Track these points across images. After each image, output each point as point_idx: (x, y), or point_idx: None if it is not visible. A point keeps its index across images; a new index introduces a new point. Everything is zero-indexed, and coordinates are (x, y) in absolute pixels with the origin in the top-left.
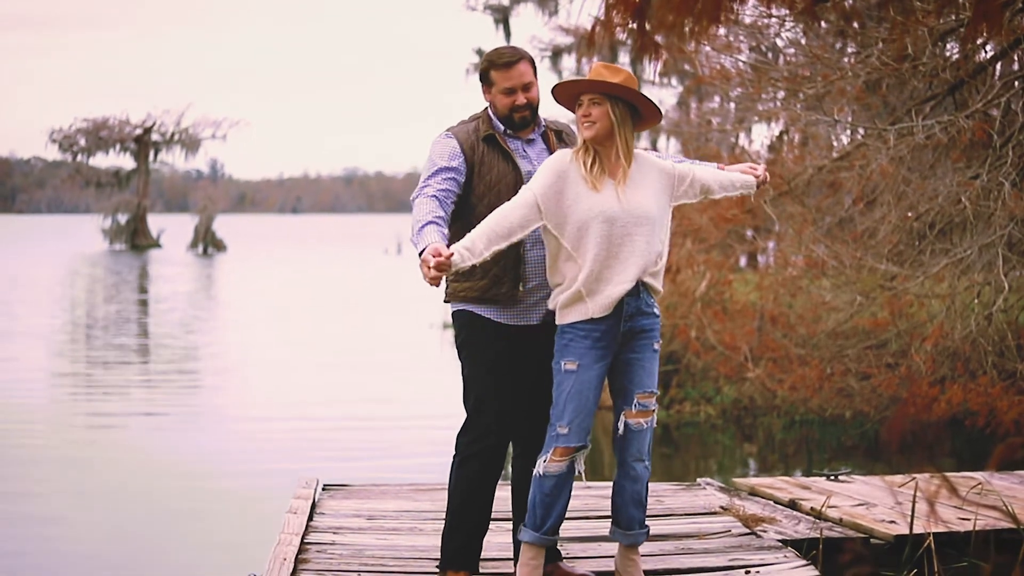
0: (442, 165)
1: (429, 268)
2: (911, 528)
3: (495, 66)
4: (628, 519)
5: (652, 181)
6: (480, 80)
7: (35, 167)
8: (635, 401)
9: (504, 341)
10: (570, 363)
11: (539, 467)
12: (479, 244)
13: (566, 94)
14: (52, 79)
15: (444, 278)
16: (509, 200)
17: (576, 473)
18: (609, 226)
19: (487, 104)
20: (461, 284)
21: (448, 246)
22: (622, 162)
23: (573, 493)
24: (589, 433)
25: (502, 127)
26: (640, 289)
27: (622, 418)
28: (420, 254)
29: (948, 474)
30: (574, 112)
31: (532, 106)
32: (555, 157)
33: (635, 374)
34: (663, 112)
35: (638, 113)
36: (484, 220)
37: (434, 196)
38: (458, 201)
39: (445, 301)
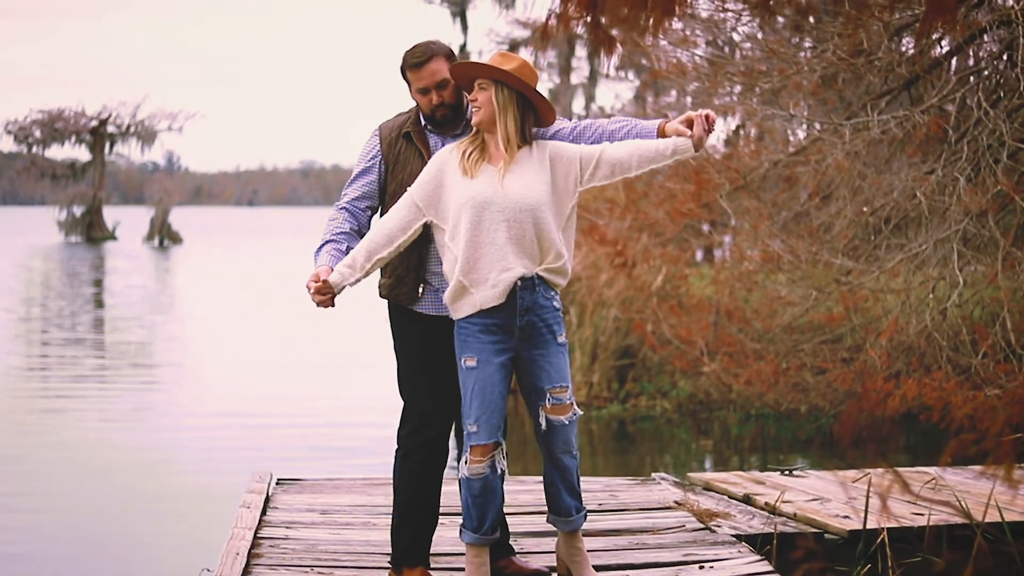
0: (360, 168)
1: (311, 293)
2: (864, 523)
3: (408, 66)
4: (564, 508)
5: (547, 169)
6: (402, 77)
7: None
8: (548, 397)
9: (431, 332)
10: (470, 359)
11: (462, 469)
12: (359, 259)
13: (463, 77)
14: (6, 70)
15: (335, 296)
16: None
17: (499, 472)
18: (480, 211)
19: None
20: (381, 279)
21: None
22: (502, 150)
23: (525, 488)
24: (500, 429)
25: (426, 124)
26: (536, 282)
27: (541, 414)
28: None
29: (902, 469)
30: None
31: (449, 104)
32: (440, 151)
33: (542, 371)
34: (554, 108)
35: (533, 105)
36: (368, 233)
37: (345, 208)
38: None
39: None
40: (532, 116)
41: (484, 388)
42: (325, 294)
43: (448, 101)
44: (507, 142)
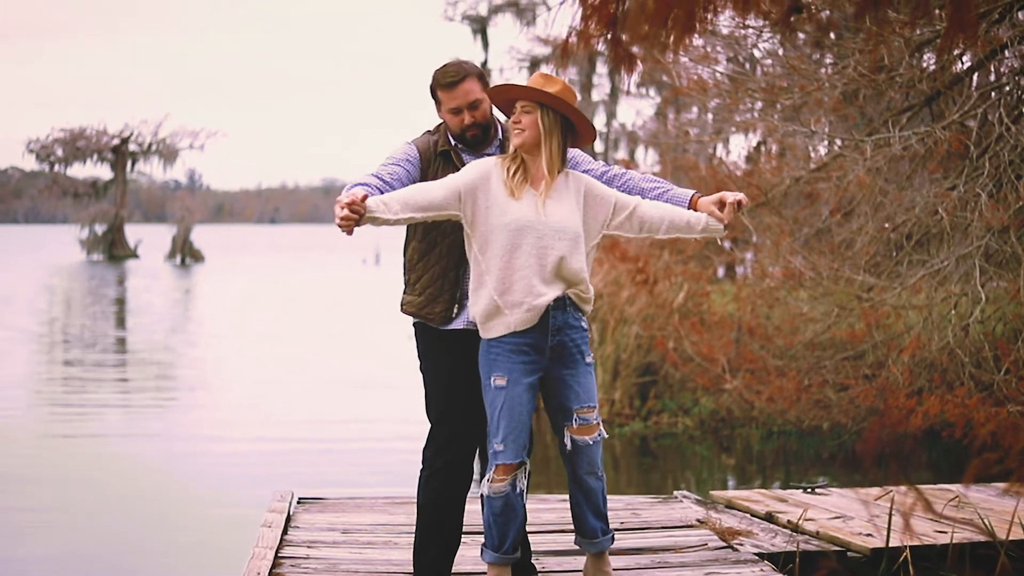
0: (397, 159)
1: (341, 207)
2: (887, 542)
3: (440, 85)
4: (590, 530)
5: (580, 201)
6: (431, 97)
7: (12, 177)
8: (575, 417)
9: (455, 348)
10: (499, 378)
11: (484, 488)
12: (394, 204)
13: (502, 98)
14: (29, 88)
15: (357, 225)
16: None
17: (518, 491)
18: (521, 235)
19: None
20: (406, 297)
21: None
22: (545, 174)
23: (548, 506)
24: (526, 448)
25: (456, 143)
26: (567, 303)
27: (567, 434)
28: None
29: (925, 487)
30: (509, 117)
31: (481, 124)
32: (484, 160)
33: (571, 391)
34: (596, 129)
35: (573, 128)
36: (404, 188)
37: (376, 174)
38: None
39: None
40: (570, 139)
41: (513, 407)
42: (355, 213)
43: (479, 121)
44: (550, 165)
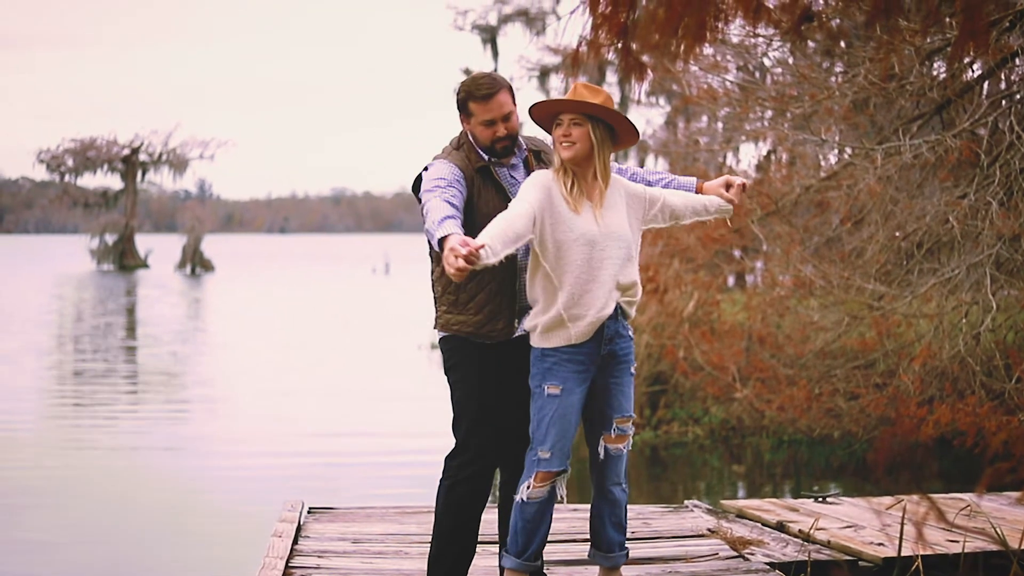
0: (446, 181)
1: (457, 258)
2: (899, 551)
3: (474, 97)
4: (608, 542)
5: (624, 204)
6: (459, 109)
7: (23, 187)
8: (614, 426)
9: (493, 362)
10: (553, 387)
11: (521, 493)
12: (497, 246)
13: (545, 114)
14: (39, 99)
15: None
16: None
17: (559, 498)
18: (590, 249)
19: (465, 131)
20: (455, 317)
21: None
22: (599, 184)
23: (558, 516)
24: (569, 457)
25: (486, 156)
26: (618, 312)
27: (601, 443)
28: (440, 243)
29: (936, 496)
30: (550, 132)
31: (512, 135)
32: (539, 175)
33: (615, 399)
34: (640, 132)
35: (614, 133)
36: (490, 226)
37: (447, 201)
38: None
39: (435, 328)
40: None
41: (564, 416)
42: (472, 262)
43: (511, 132)
44: (604, 176)
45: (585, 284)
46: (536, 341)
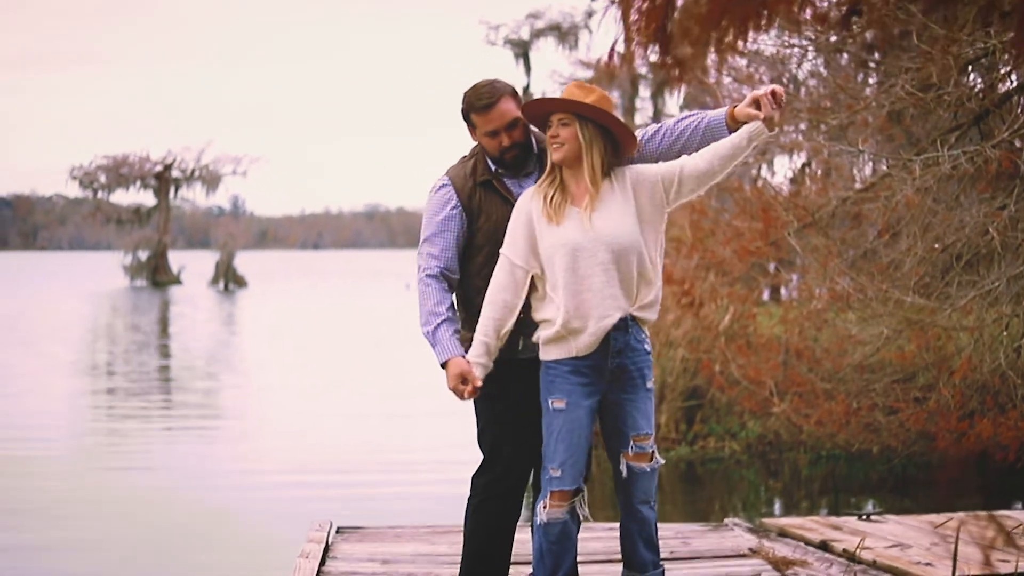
0: (438, 225)
1: (463, 394)
2: (954, 571)
3: (474, 109)
4: (640, 562)
5: (631, 199)
6: (464, 121)
7: (56, 204)
8: (631, 444)
9: (519, 378)
10: (558, 401)
11: (539, 515)
12: (491, 342)
13: (536, 114)
14: (72, 116)
15: None
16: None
17: (581, 518)
18: (574, 257)
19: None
20: (466, 334)
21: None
22: (589, 187)
23: (594, 535)
24: (583, 475)
25: (496, 168)
26: (629, 323)
27: (622, 461)
28: (443, 366)
29: (984, 513)
30: (544, 133)
31: (520, 143)
32: (518, 204)
33: (628, 416)
34: (638, 138)
35: (613, 137)
36: (484, 310)
37: (435, 276)
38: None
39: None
40: (611, 148)
41: (571, 431)
42: (475, 395)
43: (518, 141)
44: (593, 178)
45: (577, 294)
46: (541, 355)
